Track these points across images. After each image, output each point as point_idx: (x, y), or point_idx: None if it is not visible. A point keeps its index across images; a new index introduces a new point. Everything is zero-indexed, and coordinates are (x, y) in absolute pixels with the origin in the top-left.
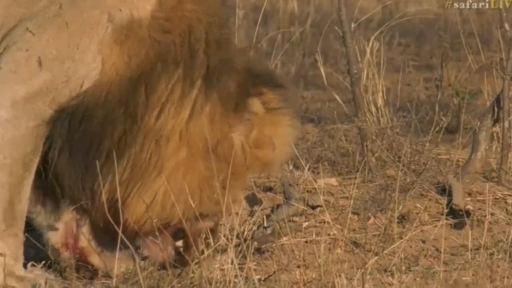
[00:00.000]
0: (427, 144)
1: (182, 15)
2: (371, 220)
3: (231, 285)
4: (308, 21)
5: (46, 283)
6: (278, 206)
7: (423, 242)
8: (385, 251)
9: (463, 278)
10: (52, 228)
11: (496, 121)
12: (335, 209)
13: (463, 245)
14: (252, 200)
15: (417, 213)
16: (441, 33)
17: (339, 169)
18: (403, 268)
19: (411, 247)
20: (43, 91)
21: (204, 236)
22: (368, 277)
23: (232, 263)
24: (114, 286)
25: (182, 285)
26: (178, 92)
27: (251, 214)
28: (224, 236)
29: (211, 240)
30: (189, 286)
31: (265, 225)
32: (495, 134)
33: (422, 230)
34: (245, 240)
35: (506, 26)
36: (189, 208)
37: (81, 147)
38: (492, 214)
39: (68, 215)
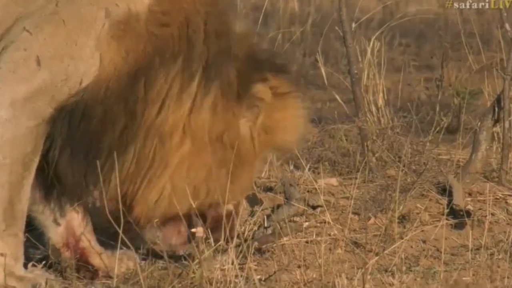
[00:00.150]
0: (428, 144)
1: (180, 7)
2: (372, 220)
3: (232, 285)
4: (308, 21)
5: (46, 283)
6: (279, 206)
7: (424, 242)
8: (386, 251)
9: (464, 278)
10: (57, 223)
11: (496, 121)
12: (335, 209)
13: (464, 245)
14: (253, 200)
15: (417, 213)
16: (441, 33)
17: (339, 169)
18: (404, 268)
19: (411, 247)
20: (43, 90)
21: (226, 220)
22: (368, 277)
23: (232, 263)
24: (114, 287)
25: (183, 285)
26: (178, 86)
27: (252, 214)
28: (225, 236)
29: (237, 220)
30: (189, 286)
31: (265, 225)
32: (495, 134)
33: (422, 230)
34: (245, 240)
35: (507, 26)
36: (198, 200)
37: (82, 145)
38: (492, 214)
39: (70, 215)
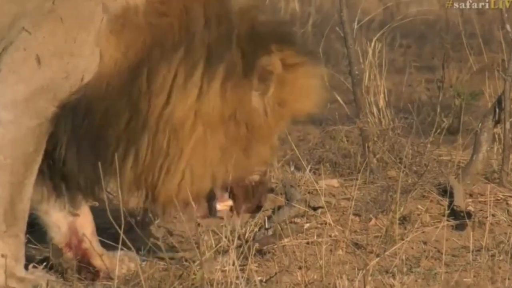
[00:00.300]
0: (429, 145)
1: None
2: (373, 222)
3: (233, 286)
4: (309, 22)
5: (47, 284)
6: (280, 207)
7: (425, 243)
8: (387, 253)
9: (465, 280)
10: (73, 213)
11: (497, 122)
12: (336, 210)
13: (465, 246)
14: None
15: (418, 215)
16: (442, 34)
17: (340, 170)
18: (405, 269)
19: (412, 248)
20: (44, 88)
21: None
22: (369, 278)
23: (233, 264)
24: None
25: (184, 287)
26: (182, 75)
27: (252, 215)
28: (226, 237)
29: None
30: None
31: (266, 226)
32: (496, 135)
33: (423, 232)
34: (246, 242)
35: (508, 27)
36: (218, 179)
37: (87, 140)
38: (493, 215)
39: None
